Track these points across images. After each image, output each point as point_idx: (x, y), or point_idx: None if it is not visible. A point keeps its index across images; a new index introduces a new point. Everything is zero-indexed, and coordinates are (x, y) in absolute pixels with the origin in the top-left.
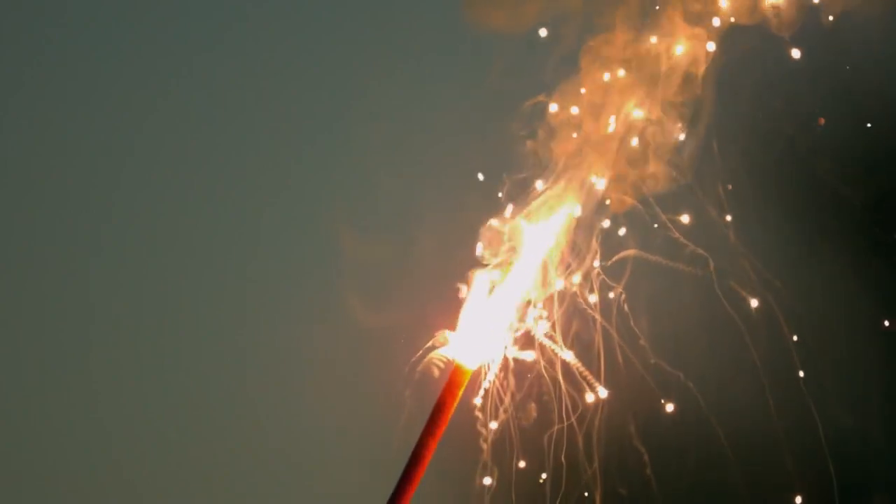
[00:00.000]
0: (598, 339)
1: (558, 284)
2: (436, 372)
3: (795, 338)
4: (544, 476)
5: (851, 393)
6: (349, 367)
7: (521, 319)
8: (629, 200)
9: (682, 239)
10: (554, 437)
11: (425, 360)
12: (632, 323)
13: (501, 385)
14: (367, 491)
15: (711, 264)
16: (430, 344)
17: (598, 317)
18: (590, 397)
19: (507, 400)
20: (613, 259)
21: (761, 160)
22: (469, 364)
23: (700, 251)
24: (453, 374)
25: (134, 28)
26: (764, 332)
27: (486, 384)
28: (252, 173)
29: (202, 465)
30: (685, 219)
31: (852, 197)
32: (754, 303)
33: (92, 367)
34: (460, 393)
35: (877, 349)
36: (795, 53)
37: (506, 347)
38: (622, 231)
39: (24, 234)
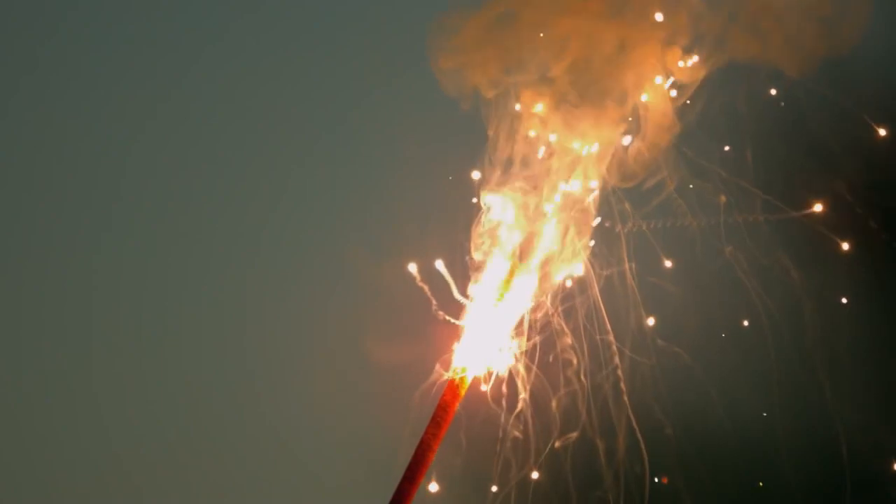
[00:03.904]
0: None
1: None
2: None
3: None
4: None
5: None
6: (351, 366)
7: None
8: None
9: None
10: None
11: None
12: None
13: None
14: (370, 490)
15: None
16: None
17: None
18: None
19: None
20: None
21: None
22: (471, 367)
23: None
24: (455, 377)
25: (135, 29)
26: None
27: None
28: (252, 176)
29: (202, 465)
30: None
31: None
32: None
33: (92, 367)
34: (462, 394)
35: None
36: None
37: (508, 349)
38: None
39: (25, 234)
